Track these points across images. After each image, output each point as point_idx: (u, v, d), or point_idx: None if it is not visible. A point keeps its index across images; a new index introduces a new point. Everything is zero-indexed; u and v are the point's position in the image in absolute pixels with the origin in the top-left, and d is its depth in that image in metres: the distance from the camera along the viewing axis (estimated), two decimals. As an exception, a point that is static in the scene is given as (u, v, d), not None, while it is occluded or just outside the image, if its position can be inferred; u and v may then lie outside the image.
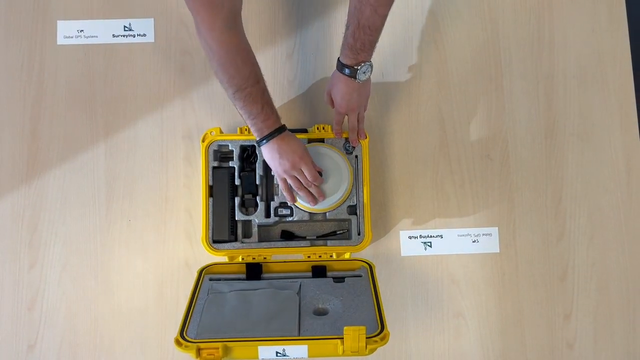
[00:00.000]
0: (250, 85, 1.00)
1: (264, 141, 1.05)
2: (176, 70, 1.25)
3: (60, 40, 1.25)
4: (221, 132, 1.16)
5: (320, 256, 1.13)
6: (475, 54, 1.27)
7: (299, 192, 1.11)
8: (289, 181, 1.10)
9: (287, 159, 1.07)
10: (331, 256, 1.13)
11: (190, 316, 0.95)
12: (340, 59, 1.06)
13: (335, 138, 1.17)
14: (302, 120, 1.25)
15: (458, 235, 1.22)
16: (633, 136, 1.25)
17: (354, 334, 0.83)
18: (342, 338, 0.84)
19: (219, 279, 1.09)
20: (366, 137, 1.16)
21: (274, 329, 0.92)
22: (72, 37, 1.25)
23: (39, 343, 1.17)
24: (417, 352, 1.18)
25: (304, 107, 1.25)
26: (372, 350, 0.86)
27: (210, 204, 1.14)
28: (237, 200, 1.15)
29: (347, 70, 1.05)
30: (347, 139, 1.16)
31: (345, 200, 1.15)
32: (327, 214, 1.15)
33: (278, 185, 1.15)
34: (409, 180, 1.23)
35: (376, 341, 0.86)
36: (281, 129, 1.06)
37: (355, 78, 1.05)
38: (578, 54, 1.28)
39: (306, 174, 1.09)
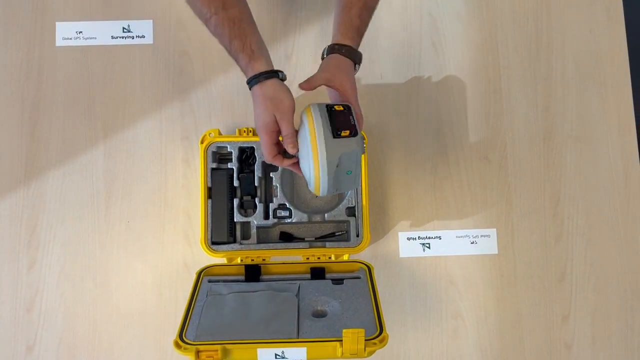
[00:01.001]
0: (213, 13, 0.82)
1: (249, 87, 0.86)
2: (175, 72, 1.25)
3: (59, 42, 1.25)
4: (220, 133, 1.16)
5: (319, 258, 1.13)
6: (473, 56, 1.28)
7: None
8: None
9: (255, 122, 0.88)
10: (330, 258, 1.13)
11: (189, 318, 0.95)
12: (345, 43, 0.92)
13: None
14: (301, 121, 1.25)
15: (456, 237, 1.22)
16: (631, 137, 1.26)
17: (352, 336, 0.83)
18: (341, 340, 0.84)
19: (218, 281, 1.08)
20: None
21: (273, 331, 0.92)
22: (70, 39, 1.25)
23: (37, 344, 1.17)
24: (416, 353, 1.18)
25: (303, 108, 1.25)
26: (370, 353, 0.86)
27: (209, 205, 1.14)
28: (235, 201, 1.15)
29: (357, 56, 0.94)
30: None
31: (323, 192, 0.90)
32: (326, 215, 1.15)
33: (276, 187, 1.15)
34: (408, 181, 1.23)
35: (375, 343, 0.86)
36: (259, 76, 0.84)
37: (360, 63, 0.94)
38: (576, 56, 1.28)
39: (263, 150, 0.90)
